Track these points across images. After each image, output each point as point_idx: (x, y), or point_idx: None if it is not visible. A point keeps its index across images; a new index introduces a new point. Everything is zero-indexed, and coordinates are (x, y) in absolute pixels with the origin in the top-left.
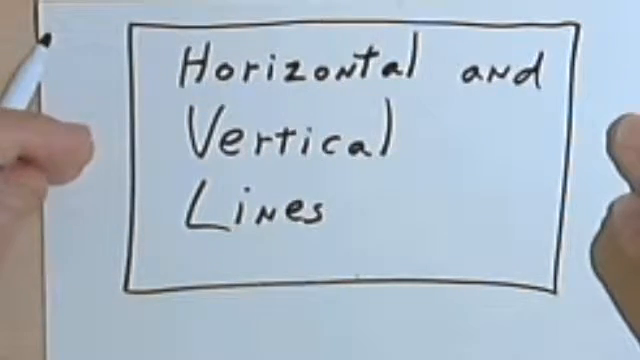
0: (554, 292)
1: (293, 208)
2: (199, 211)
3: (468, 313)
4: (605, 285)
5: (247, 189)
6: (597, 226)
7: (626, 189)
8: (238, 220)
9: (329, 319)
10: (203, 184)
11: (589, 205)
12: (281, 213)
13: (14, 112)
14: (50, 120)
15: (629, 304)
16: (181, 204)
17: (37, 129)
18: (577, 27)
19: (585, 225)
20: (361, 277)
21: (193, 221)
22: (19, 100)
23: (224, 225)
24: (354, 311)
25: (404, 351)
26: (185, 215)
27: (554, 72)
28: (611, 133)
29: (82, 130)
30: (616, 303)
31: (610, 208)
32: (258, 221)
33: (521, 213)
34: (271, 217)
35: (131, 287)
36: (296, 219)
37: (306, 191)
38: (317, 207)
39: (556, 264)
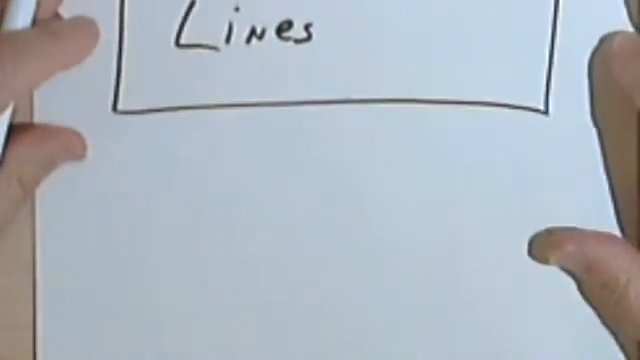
0: (545, 113)
1: (283, 28)
2: (188, 31)
3: (459, 133)
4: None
5: (237, 9)
6: (589, 47)
7: (619, 5)
8: (228, 40)
9: (319, 140)
10: (193, 3)
11: (581, 27)
12: (271, 33)
13: None
14: None
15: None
16: (170, 23)
17: None
18: None
19: (577, 46)
20: (352, 97)
21: (182, 41)
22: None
23: (213, 45)
24: (344, 132)
25: (394, 172)
26: (174, 35)
27: None
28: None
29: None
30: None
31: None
32: (248, 41)
33: (513, 32)
34: (261, 37)
35: (120, 107)
36: (286, 39)
37: (296, 10)
38: (307, 27)
39: (547, 84)
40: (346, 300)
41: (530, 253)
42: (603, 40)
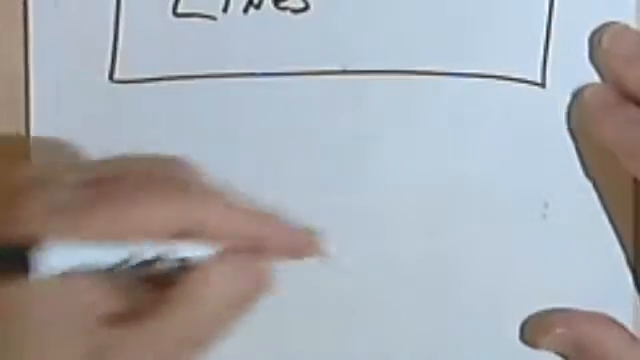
0: (542, 85)
1: None
2: None
3: (455, 106)
4: None
5: None
6: (586, 19)
7: None
8: (225, 9)
9: (315, 110)
10: None
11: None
12: (268, 2)
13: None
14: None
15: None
16: None
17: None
18: None
19: (574, 18)
20: (348, 68)
21: (180, 9)
22: None
23: (211, 14)
24: (340, 103)
25: (391, 143)
26: (172, 3)
27: None
28: (595, 40)
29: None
30: None
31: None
32: (245, 10)
33: (510, 4)
34: (258, 6)
35: (117, 76)
36: (284, 9)
37: None
38: None
39: (544, 57)
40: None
41: (522, 338)
42: (576, 94)
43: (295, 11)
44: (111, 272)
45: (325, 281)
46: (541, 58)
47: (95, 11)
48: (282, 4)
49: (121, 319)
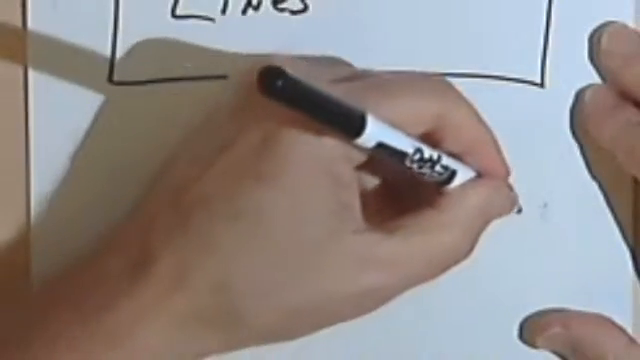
0: (541, 85)
1: None
2: (184, 1)
3: None
4: None
5: None
6: (585, 19)
7: None
8: (224, 11)
9: None
10: None
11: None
12: (267, 3)
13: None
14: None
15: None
16: None
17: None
18: None
19: (573, 18)
20: None
21: (178, 11)
22: None
23: (210, 16)
24: None
25: None
26: (170, 5)
27: None
28: (595, 40)
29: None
30: None
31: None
32: (244, 12)
33: (509, 4)
34: (257, 8)
35: (115, 78)
36: (282, 10)
37: None
38: None
39: (543, 57)
40: None
41: (521, 337)
42: (576, 95)
43: (294, 12)
44: (403, 160)
45: None
46: (540, 58)
47: (94, 13)
48: (281, 5)
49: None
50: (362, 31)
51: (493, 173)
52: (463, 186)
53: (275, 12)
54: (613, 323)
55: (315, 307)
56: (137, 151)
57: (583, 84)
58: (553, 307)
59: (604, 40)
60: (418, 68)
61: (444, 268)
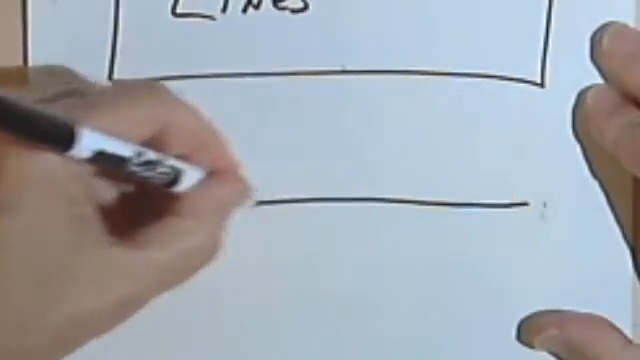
0: (541, 85)
1: None
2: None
3: (454, 105)
4: None
5: None
6: (585, 19)
7: None
8: (224, 9)
9: (314, 110)
10: None
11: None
12: (267, 2)
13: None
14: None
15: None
16: None
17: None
18: None
19: (573, 18)
20: (347, 68)
21: (179, 10)
22: None
23: (210, 14)
24: (339, 102)
25: (389, 143)
26: (171, 3)
27: None
28: (596, 40)
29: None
30: None
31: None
32: (244, 10)
33: (509, 3)
34: (257, 6)
35: (116, 76)
36: (283, 8)
37: None
38: None
39: (544, 57)
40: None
41: (519, 338)
42: (576, 95)
43: (294, 11)
44: (126, 166)
45: (325, 281)
46: (540, 58)
47: (94, 11)
48: (281, 4)
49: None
50: (362, 30)
51: (224, 169)
52: (197, 187)
53: (275, 10)
54: (609, 324)
55: (77, 324)
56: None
57: (583, 84)
58: (553, 307)
59: (605, 40)
60: (418, 68)
61: (193, 271)
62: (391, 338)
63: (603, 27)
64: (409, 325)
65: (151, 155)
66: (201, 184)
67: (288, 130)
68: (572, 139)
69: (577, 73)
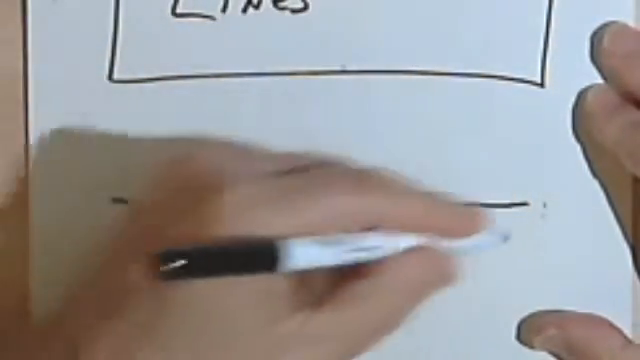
0: (541, 85)
1: None
2: None
3: (455, 105)
4: None
5: None
6: (585, 19)
7: None
8: (224, 9)
9: (314, 110)
10: None
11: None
12: (267, 2)
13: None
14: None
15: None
16: None
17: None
18: None
19: (573, 18)
20: (347, 68)
21: (179, 9)
22: None
23: (210, 14)
24: (340, 102)
25: (389, 143)
26: (171, 3)
27: None
28: (596, 40)
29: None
30: None
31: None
32: (244, 10)
33: (509, 3)
34: (257, 6)
35: (115, 76)
36: (282, 8)
37: None
38: None
39: (544, 57)
40: None
41: (518, 338)
42: (577, 95)
43: (294, 11)
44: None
45: None
46: (540, 58)
47: (94, 11)
48: (281, 4)
49: (309, 306)
50: (362, 30)
51: (448, 234)
52: (398, 255)
53: (275, 10)
54: (609, 324)
55: None
56: (137, 149)
57: (583, 84)
58: (553, 307)
59: (605, 40)
60: (418, 68)
61: (373, 340)
62: (390, 338)
63: (603, 27)
64: (408, 325)
65: (364, 243)
66: (403, 253)
67: (288, 130)
68: (572, 139)
69: (577, 73)
